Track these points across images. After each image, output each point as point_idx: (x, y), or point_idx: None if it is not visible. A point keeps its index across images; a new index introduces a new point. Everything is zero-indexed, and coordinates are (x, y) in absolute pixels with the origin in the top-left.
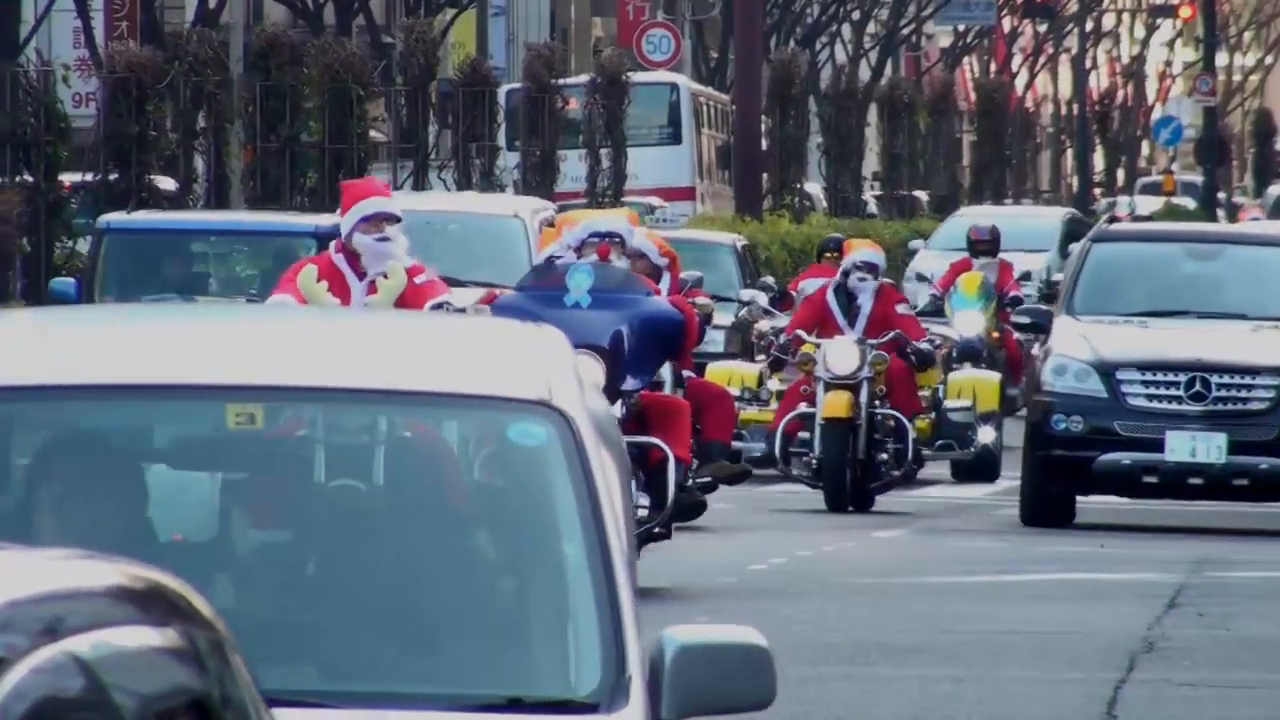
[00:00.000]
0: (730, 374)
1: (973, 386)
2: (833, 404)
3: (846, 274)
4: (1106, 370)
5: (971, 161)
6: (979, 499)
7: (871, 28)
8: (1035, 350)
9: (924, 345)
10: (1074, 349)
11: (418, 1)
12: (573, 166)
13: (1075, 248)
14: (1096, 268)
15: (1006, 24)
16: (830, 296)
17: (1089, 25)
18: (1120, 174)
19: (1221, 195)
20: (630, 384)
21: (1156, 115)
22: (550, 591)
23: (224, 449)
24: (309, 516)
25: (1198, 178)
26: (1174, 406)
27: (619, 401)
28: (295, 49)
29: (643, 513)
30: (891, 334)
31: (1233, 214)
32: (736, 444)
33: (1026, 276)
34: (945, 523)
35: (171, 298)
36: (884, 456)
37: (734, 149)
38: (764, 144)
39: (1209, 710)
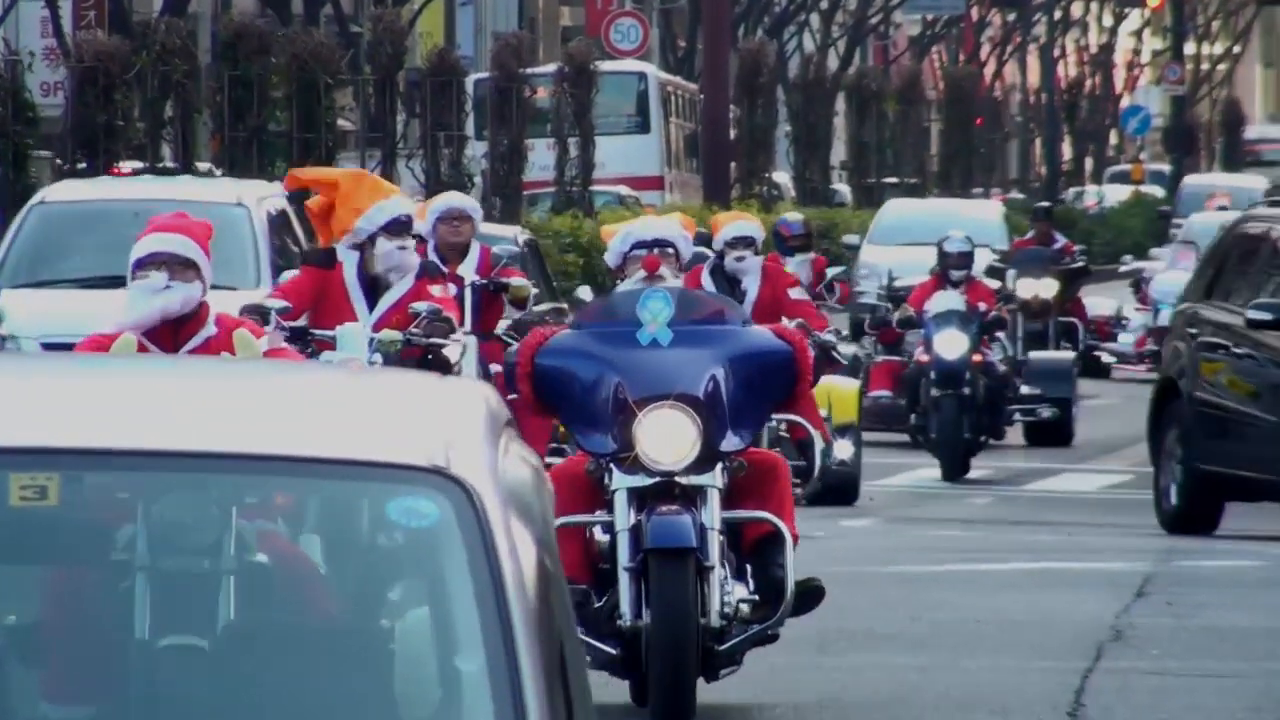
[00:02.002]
0: None
1: (827, 395)
2: None
3: (721, 254)
4: None
5: (940, 150)
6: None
7: (839, 17)
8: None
9: (827, 337)
10: None
11: None
12: (541, 156)
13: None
14: None
15: (975, 13)
16: (706, 279)
17: (1057, 14)
18: (1089, 163)
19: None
20: (731, 443)
21: (1125, 104)
22: (443, 710)
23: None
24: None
25: (1166, 167)
26: None
27: (719, 466)
28: (263, 38)
29: (744, 607)
30: (794, 323)
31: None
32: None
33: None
34: (915, 511)
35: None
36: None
37: (702, 138)
38: (732, 133)
39: (1176, 699)
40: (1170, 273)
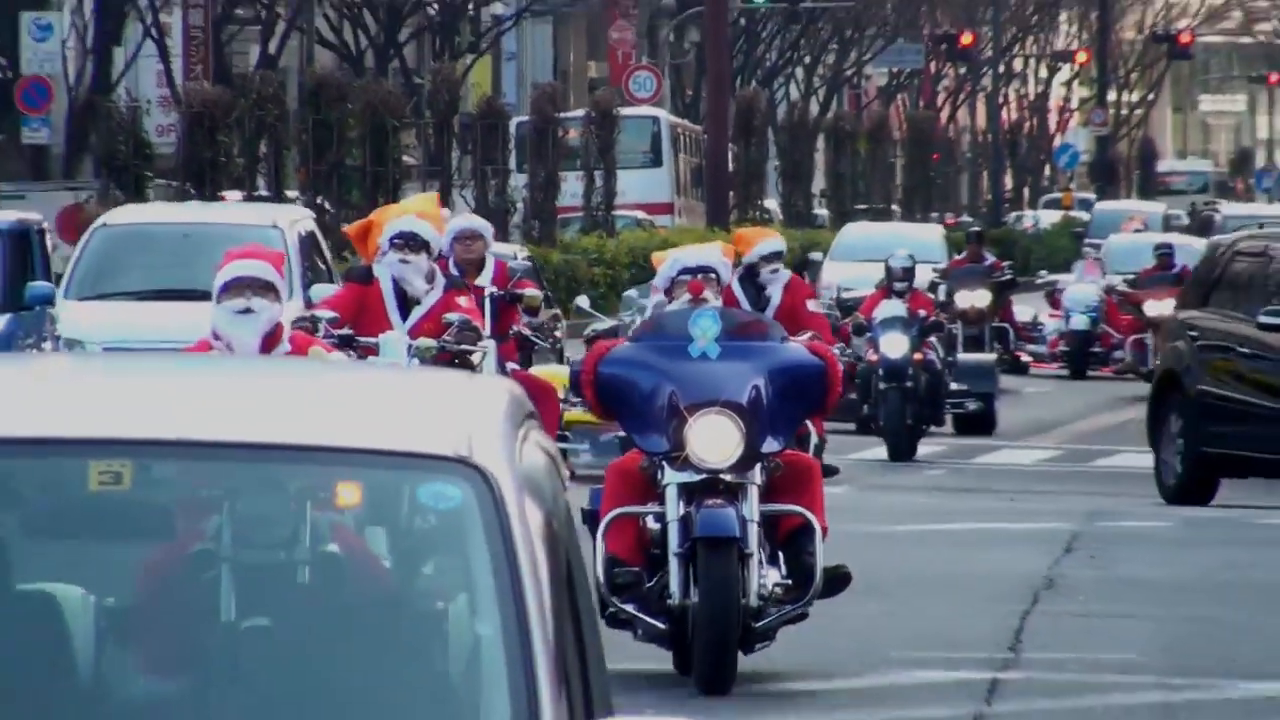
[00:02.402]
0: (548, 376)
1: None
2: None
3: (753, 265)
4: None
5: (903, 181)
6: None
7: (820, 70)
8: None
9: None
10: None
11: (443, 48)
12: (571, 186)
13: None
14: None
15: (932, 66)
16: (736, 287)
17: (1001, 68)
18: (1027, 191)
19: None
20: (770, 445)
21: (1057, 143)
22: (461, 679)
23: (85, 512)
24: (197, 602)
25: (1091, 195)
26: None
27: (758, 465)
28: (341, 88)
29: (777, 590)
30: (807, 335)
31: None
32: (562, 445)
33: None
34: (882, 481)
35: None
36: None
37: (705, 171)
38: (730, 166)
39: (1100, 637)
40: (1078, 285)
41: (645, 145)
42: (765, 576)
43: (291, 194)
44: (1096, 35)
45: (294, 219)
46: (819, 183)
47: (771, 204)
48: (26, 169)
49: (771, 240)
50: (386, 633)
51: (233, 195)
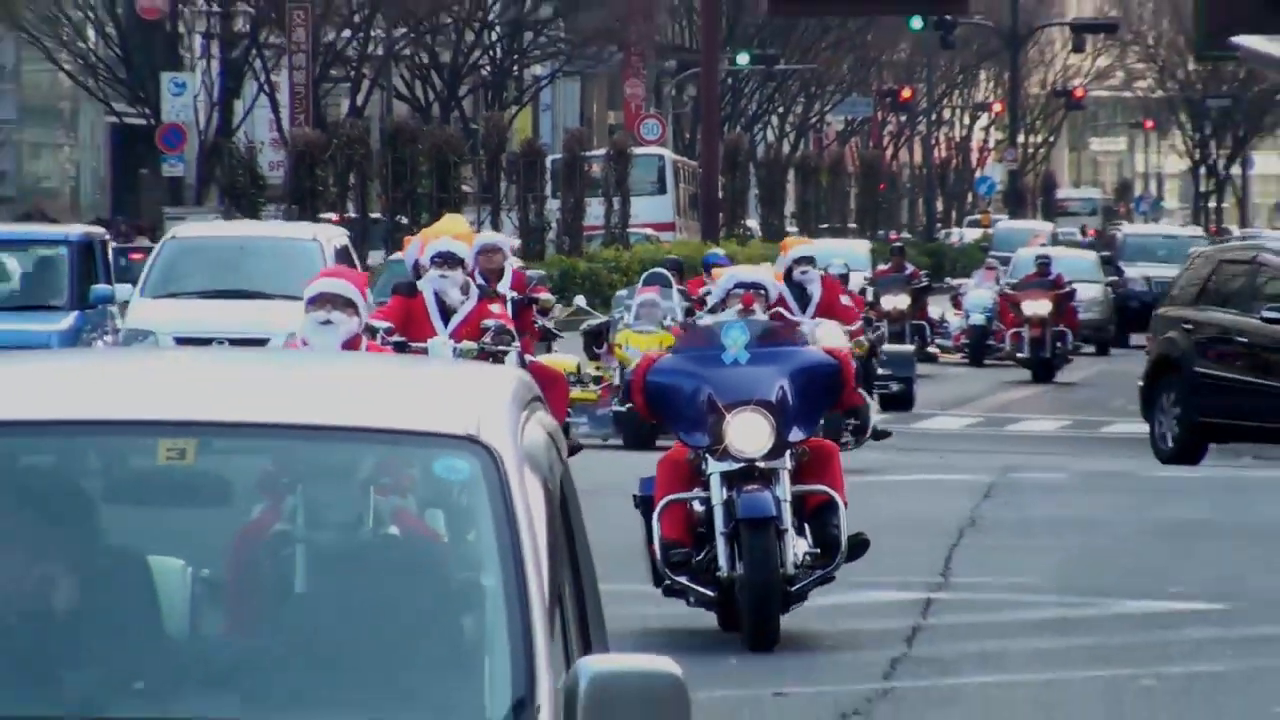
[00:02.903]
0: (553, 364)
1: None
2: None
3: (790, 270)
4: None
5: (856, 205)
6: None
7: (790, 118)
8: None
9: (860, 338)
10: None
11: (493, 101)
12: (594, 209)
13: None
14: None
15: (879, 115)
16: (784, 289)
17: (933, 116)
18: (954, 214)
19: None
20: (796, 435)
21: (978, 175)
22: (467, 624)
23: (154, 483)
24: (235, 552)
25: (1004, 217)
26: None
27: (787, 453)
28: (413, 132)
29: (807, 558)
30: (856, 324)
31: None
32: (567, 420)
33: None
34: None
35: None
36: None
37: (700, 197)
38: (720, 194)
39: (1012, 565)
40: (977, 289)
41: (653, 177)
42: (798, 545)
43: (375, 215)
44: (1008, 90)
45: (330, 235)
46: (790, 207)
47: (753, 223)
48: (165, 197)
49: (801, 247)
50: (406, 584)
51: (328, 217)
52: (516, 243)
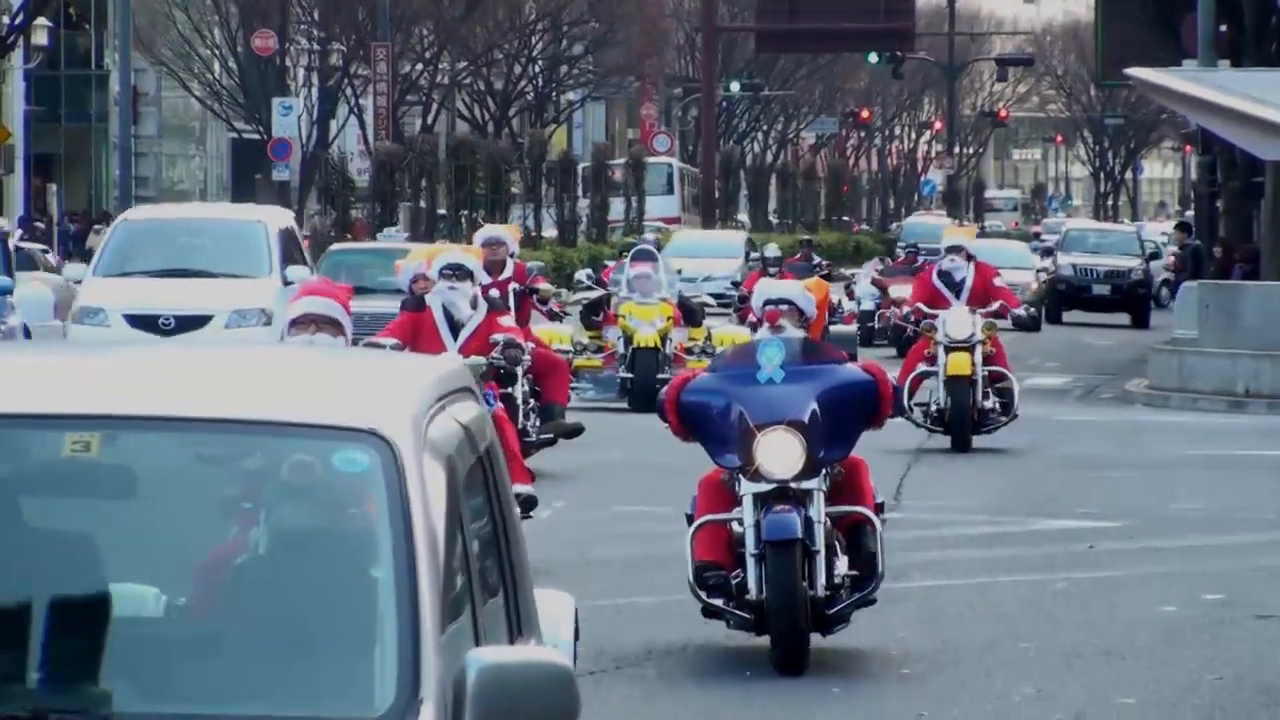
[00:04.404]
0: (547, 335)
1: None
2: (956, 364)
3: (942, 258)
4: None
5: (825, 204)
6: None
7: (773, 133)
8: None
9: (1021, 312)
10: None
11: (536, 120)
12: (617, 207)
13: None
14: None
15: (844, 132)
16: (934, 277)
17: (886, 132)
18: (903, 210)
19: (956, 221)
20: (830, 455)
21: (922, 179)
22: (357, 615)
23: (58, 474)
24: (125, 539)
25: (944, 212)
26: None
27: (821, 473)
28: (473, 145)
29: (847, 579)
30: (997, 304)
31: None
32: (577, 384)
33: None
34: None
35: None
36: (989, 405)
37: (701, 197)
38: (716, 194)
39: (951, 490)
40: (866, 277)
41: (663, 181)
42: (838, 565)
43: (441, 211)
44: (947, 112)
45: (276, 217)
46: (772, 204)
47: (744, 217)
48: (274, 198)
49: (953, 236)
50: (298, 576)
51: (404, 207)
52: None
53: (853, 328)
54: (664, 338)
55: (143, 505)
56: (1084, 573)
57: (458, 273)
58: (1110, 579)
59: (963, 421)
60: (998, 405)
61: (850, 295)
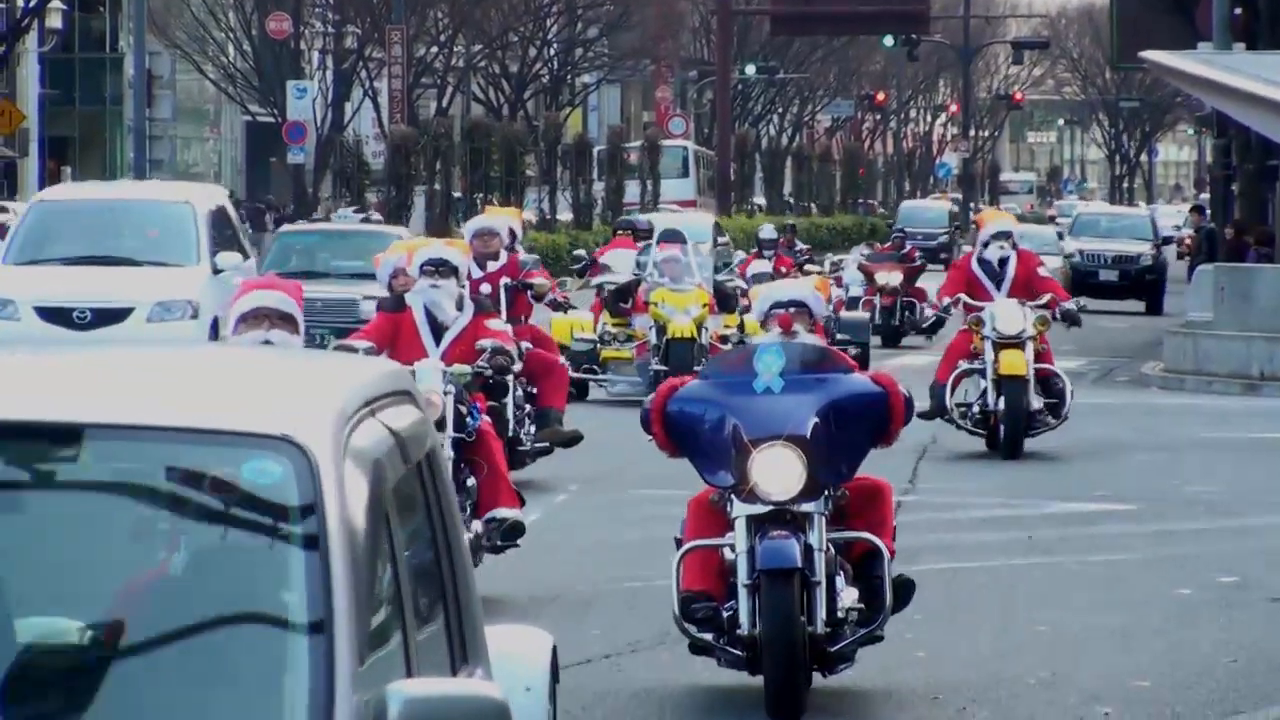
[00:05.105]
0: (571, 323)
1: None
2: (1010, 363)
3: (985, 245)
4: None
5: (841, 186)
6: None
7: (788, 116)
8: None
9: (1071, 305)
10: None
11: (551, 103)
12: (632, 190)
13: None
14: None
15: (859, 115)
16: (974, 265)
17: (902, 115)
18: (919, 193)
19: (971, 204)
20: (834, 475)
21: (937, 162)
22: (265, 644)
23: None
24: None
25: (959, 195)
26: None
27: (824, 494)
28: (488, 128)
29: (853, 613)
30: (1047, 297)
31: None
32: (606, 376)
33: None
34: None
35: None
36: (1038, 407)
37: (716, 179)
38: (731, 177)
39: (963, 474)
40: (850, 268)
41: (678, 164)
42: (842, 598)
43: (456, 194)
44: (962, 94)
45: (205, 196)
46: (788, 188)
47: (760, 200)
48: (289, 181)
49: (999, 221)
50: (204, 595)
51: (421, 189)
52: (528, 219)
53: (864, 315)
54: (700, 326)
55: (29, 522)
56: (1097, 555)
57: (440, 269)
58: (1124, 561)
59: (1016, 425)
60: (1044, 407)
61: (839, 282)
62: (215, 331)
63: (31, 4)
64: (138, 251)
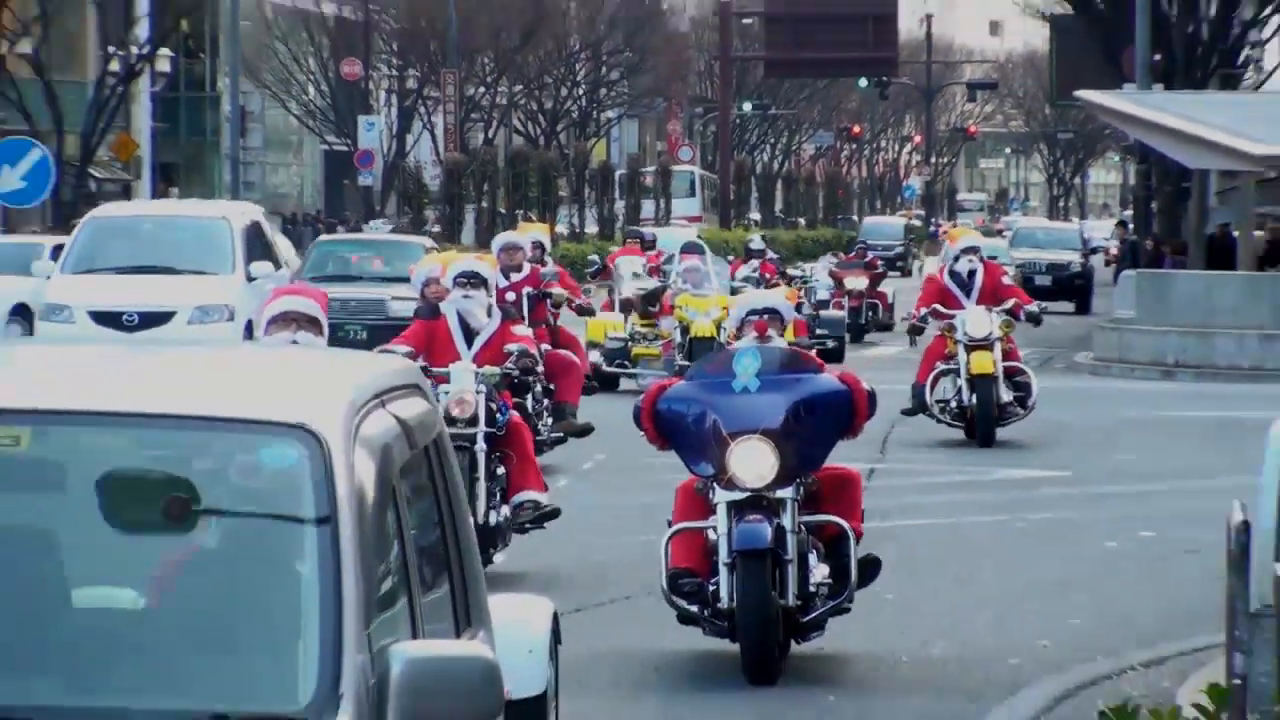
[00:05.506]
0: (604, 325)
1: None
2: (979, 363)
3: (956, 258)
4: None
5: (823, 205)
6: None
7: (779, 146)
8: None
9: (1034, 308)
10: None
11: (580, 134)
12: (647, 208)
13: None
14: None
15: (839, 144)
16: (946, 278)
17: (875, 145)
18: (888, 211)
19: (932, 219)
20: (805, 464)
21: (904, 184)
22: (281, 611)
23: None
24: (58, 534)
25: (923, 212)
26: None
27: (795, 482)
28: (527, 155)
29: (824, 587)
30: (1011, 303)
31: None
32: (636, 370)
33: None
34: None
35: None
36: (1008, 400)
37: (718, 199)
38: (731, 197)
39: (932, 444)
40: (820, 274)
41: (686, 186)
42: (814, 574)
43: (501, 211)
44: (925, 127)
45: (240, 212)
46: (779, 206)
47: (755, 215)
48: (360, 201)
49: (968, 238)
50: (225, 570)
51: (470, 208)
52: (560, 233)
53: (841, 313)
54: (719, 327)
55: (72, 500)
56: (1039, 514)
57: (472, 280)
58: (1061, 519)
59: (988, 417)
60: (1014, 399)
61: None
62: (249, 332)
63: (144, 51)
64: (179, 261)
